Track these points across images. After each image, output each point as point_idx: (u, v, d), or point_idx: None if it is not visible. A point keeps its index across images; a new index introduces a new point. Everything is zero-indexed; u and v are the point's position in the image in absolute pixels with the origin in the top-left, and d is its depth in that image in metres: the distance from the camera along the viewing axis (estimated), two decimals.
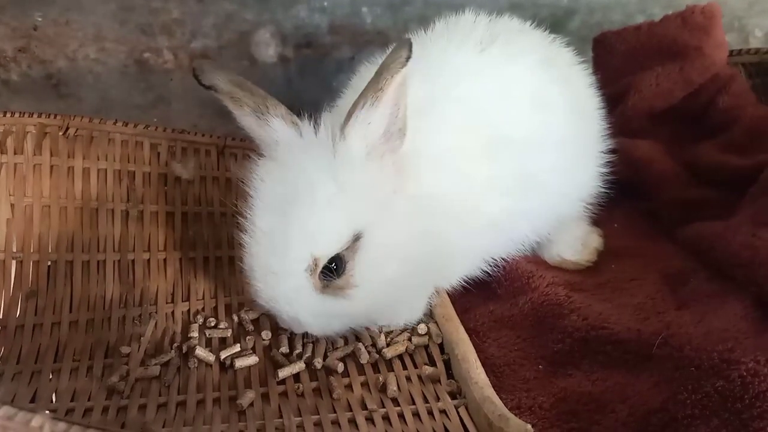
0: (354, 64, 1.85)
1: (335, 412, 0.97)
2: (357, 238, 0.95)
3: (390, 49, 0.93)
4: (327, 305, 0.98)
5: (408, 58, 0.90)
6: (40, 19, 1.68)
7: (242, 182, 1.02)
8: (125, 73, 1.78)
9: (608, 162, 1.27)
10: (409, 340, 1.12)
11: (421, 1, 1.84)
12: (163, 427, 0.92)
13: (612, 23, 1.95)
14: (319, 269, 0.95)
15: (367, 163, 0.97)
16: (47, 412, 0.90)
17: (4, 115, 1.19)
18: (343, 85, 1.25)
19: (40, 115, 1.22)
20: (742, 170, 1.36)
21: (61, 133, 1.24)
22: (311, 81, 1.89)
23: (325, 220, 0.94)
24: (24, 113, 1.21)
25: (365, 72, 1.17)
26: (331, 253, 0.95)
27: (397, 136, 0.97)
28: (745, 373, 0.85)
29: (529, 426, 0.87)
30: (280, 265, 0.95)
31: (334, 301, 0.98)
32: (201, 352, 1.06)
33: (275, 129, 1.01)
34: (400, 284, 1.02)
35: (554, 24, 1.90)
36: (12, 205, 1.17)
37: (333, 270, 0.96)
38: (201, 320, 1.15)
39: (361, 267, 0.97)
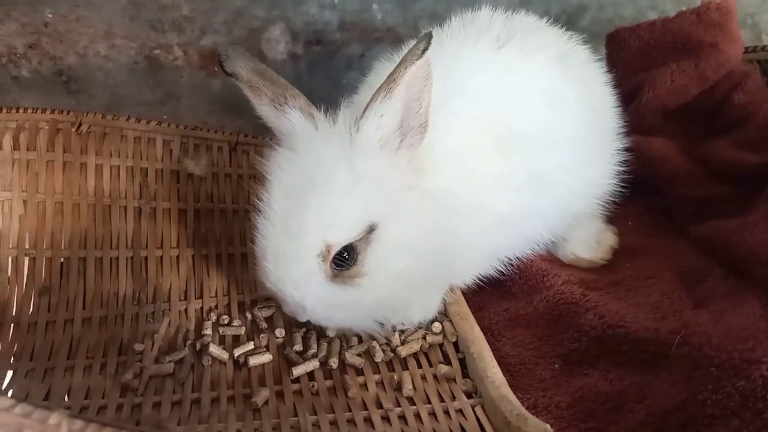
0: (364, 61, 1.86)
1: (350, 410, 0.97)
2: (371, 230, 0.96)
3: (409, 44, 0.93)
4: (335, 294, 0.98)
5: (424, 50, 0.89)
6: (50, 16, 1.68)
7: (260, 170, 1.02)
8: (135, 69, 1.77)
9: (622, 160, 1.26)
10: (424, 338, 1.11)
11: None
12: (178, 425, 0.92)
13: (623, 19, 1.94)
14: (332, 256, 0.95)
15: (382, 155, 0.97)
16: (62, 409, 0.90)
17: (17, 111, 1.19)
18: (354, 81, 1.24)
19: (53, 111, 1.22)
20: (756, 167, 1.35)
21: (73, 130, 1.24)
22: (321, 77, 1.88)
23: (341, 208, 0.94)
24: (37, 109, 1.21)
25: (381, 69, 1.17)
26: (345, 241, 0.95)
27: (417, 131, 0.97)
28: (766, 373, 0.84)
29: (548, 426, 0.86)
30: (293, 249, 0.95)
31: (343, 291, 0.98)
32: (215, 349, 1.05)
33: (292, 120, 1.01)
34: (410, 280, 1.01)
35: (565, 20, 1.89)
36: (25, 202, 1.17)
37: (344, 260, 0.96)
38: (214, 318, 1.14)
39: (372, 259, 0.97)
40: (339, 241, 0.95)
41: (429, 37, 0.90)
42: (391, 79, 0.91)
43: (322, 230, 0.94)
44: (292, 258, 0.96)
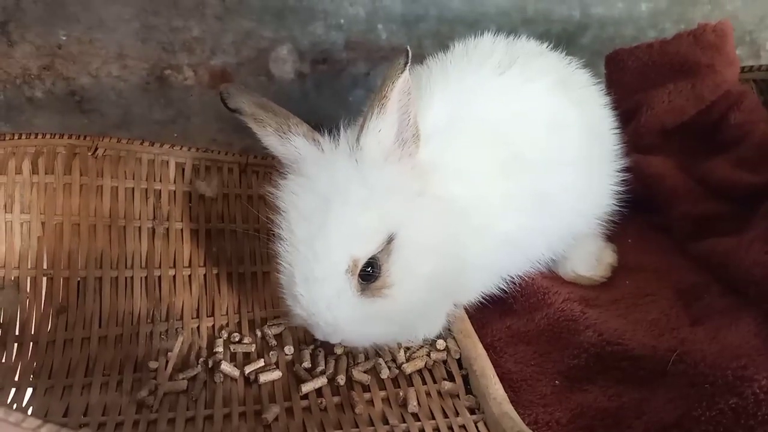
0: (369, 80, 1.90)
1: (358, 427, 1.00)
2: (390, 240, 0.98)
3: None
4: (366, 308, 0.99)
5: (405, 63, 0.93)
6: (64, 38, 1.72)
7: (271, 198, 1.05)
8: (146, 89, 1.81)
9: (622, 179, 1.30)
10: (428, 355, 1.14)
11: (435, 18, 1.87)
12: None
13: (623, 38, 1.97)
14: (359, 270, 0.97)
15: (387, 167, 1.00)
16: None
17: (36, 137, 1.23)
18: (359, 99, 1.26)
19: (70, 136, 1.27)
20: (753, 186, 1.37)
21: (90, 153, 1.28)
22: (327, 96, 1.92)
23: (361, 220, 0.97)
24: (54, 134, 1.25)
25: None
26: (369, 252, 0.97)
27: (411, 141, 1.01)
28: (758, 391, 0.87)
29: None
30: (321, 270, 0.97)
31: (373, 303, 0.99)
32: (226, 366, 1.09)
33: (297, 147, 1.05)
34: (434, 282, 1.03)
35: (566, 39, 1.92)
36: (43, 223, 1.21)
37: (369, 274, 0.99)
38: (225, 335, 1.18)
39: (396, 267, 0.99)
40: (363, 253, 0.97)
41: (406, 52, 0.93)
42: (382, 95, 0.95)
43: (346, 245, 0.97)
44: (321, 278, 0.97)
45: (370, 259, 0.98)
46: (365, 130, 0.98)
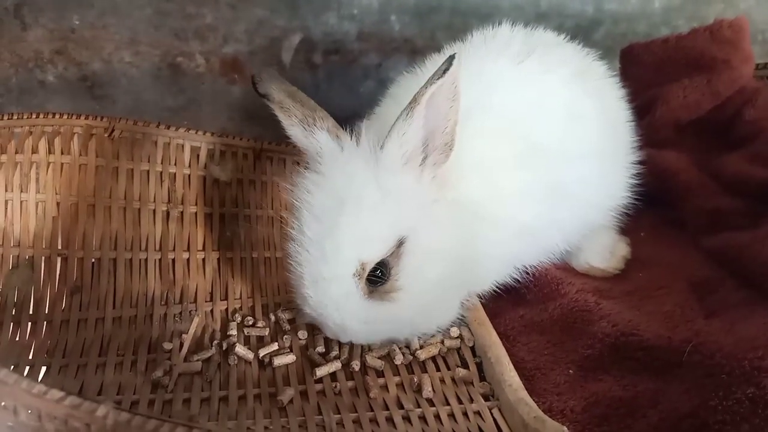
0: (381, 71, 1.90)
1: (372, 410, 1.00)
2: (400, 244, 0.99)
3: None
4: (373, 310, 1.01)
5: (445, 70, 0.92)
6: (77, 23, 1.71)
7: (286, 191, 1.06)
8: (158, 76, 1.81)
9: (636, 172, 1.30)
10: (442, 342, 1.14)
11: (448, 10, 1.87)
12: (208, 421, 0.95)
13: (636, 34, 1.97)
14: (366, 273, 0.99)
15: (406, 171, 1.00)
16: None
17: (53, 116, 1.23)
18: (370, 90, 1.26)
19: (87, 117, 1.27)
20: (767, 182, 1.38)
21: (106, 135, 1.28)
22: (338, 86, 1.92)
23: (372, 225, 0.97)
24: (72, 115, 1.25)
25: (403, 81, 1.20)
26: (378, 257, 0.98)
27: (441, 150, 1.00)
28: None
29: (565, 428, 0.89)
30: (329, 271, 0.98)
31: (380, 306, 1.01)
32: (240, 349, 1.09)
33: (319, 141, 1.05)
34: (442, 287, 1.05)
35: (579, 34, 1.92)
36: (58, 204, 1.21)
37: (378, 276, 1.00)
38: (239, 319, 1.18)
39: (405, 271, 1.00)
40: (372, 258, 0.98)
41: (451, 58, 0.92)
42: (413, 99, 0.95)
43: (355, 250, 0.98)
44: (329, 279, 0.99)
45: (378, 262, 0.99)
46: (391, 131, 0.97)
